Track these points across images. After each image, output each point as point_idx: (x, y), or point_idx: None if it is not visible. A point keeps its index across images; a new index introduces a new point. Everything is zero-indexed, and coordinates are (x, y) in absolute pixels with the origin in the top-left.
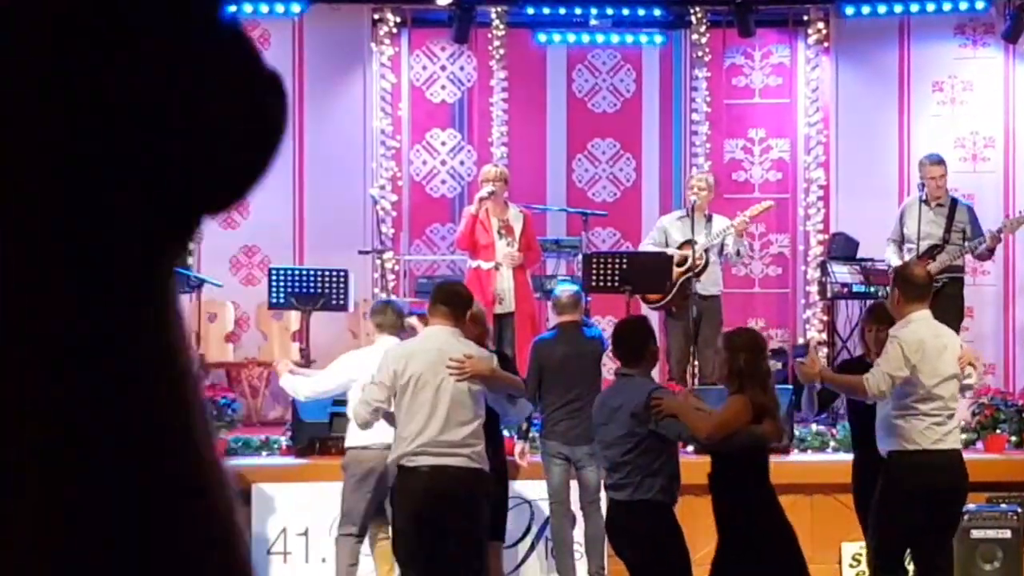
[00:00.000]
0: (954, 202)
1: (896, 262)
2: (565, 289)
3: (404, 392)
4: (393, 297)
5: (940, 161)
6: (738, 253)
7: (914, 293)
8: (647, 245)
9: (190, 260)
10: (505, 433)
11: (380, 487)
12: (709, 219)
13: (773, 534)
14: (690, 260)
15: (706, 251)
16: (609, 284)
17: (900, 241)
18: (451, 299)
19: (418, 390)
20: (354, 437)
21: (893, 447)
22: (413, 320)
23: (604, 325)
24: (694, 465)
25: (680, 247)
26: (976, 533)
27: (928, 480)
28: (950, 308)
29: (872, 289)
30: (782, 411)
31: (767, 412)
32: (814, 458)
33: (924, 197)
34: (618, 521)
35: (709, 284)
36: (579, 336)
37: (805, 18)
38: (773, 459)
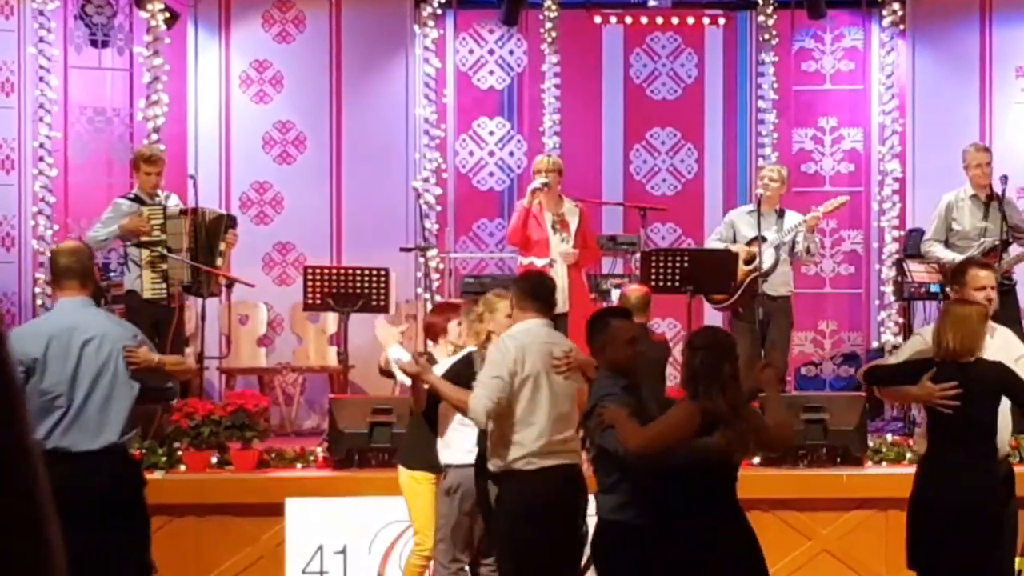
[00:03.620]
0: (997, 195)
1: (949, 257)
2: (635, 288)
3: (522, 389)
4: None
5: (986, 148)
6: (808, 251)
7: None
8: (713, 241)
9: (219, 261)
10: None
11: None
12: (780, 214)
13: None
14: (758, 258)
15: (776, 249)
16: (670, 284)
17: (944, 241)
18: (539, 290)
19: (537, 387)
20: (455, 454)
21: None
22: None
23: (664, 328)
24: (764, 479)
25: (748, 244)
26: None
27: None
28: (1014, 312)
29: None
30: (855, 420)
31: (722, 421)
32: (890, 471)
33: (971, 190)
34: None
35: (778, 284)
36: (647, 340)
37: None
38: (846, 471)
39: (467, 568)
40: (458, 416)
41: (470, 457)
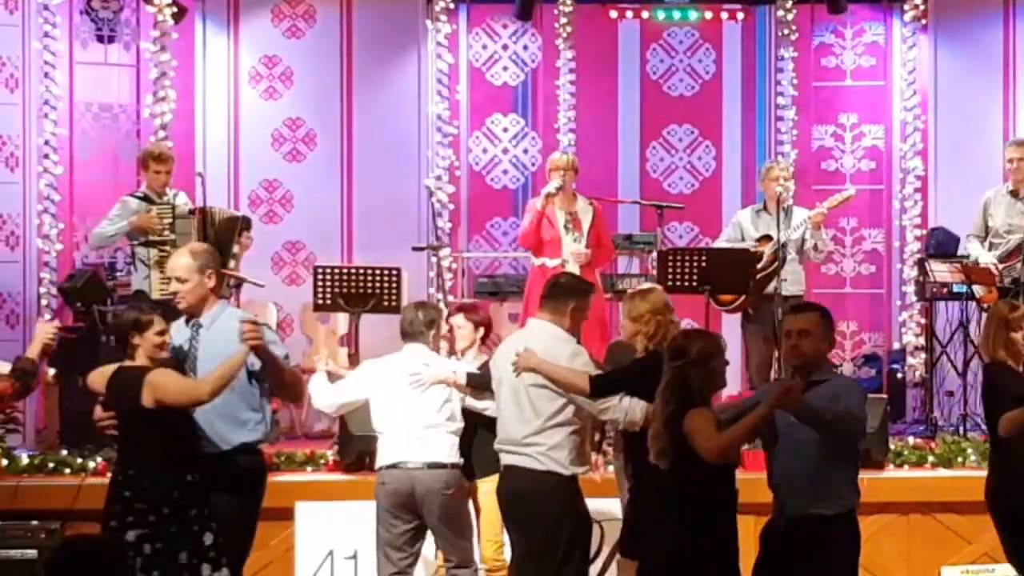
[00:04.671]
0: None
1: (987, 256)
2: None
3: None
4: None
5: (1021, 143)
6: (816, 248)
7: None
8: (722, 243)
9: (232, 264)
10: None
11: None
12: (787, 212)
13: None
14: (766, 257)
15: (784, 247)
16: (687, 284)
17: (983, 237)
18: (549, 290)
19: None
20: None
21: None
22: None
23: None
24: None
25: (758, 243)
26: None
27: None
28: None
29: (975, 289)
30: (876, 423)
31: None
32: (911, 474)
33: (1011, 186)
34: None
35: (789, 283)
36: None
37: None
38: (865, 475)
39: None
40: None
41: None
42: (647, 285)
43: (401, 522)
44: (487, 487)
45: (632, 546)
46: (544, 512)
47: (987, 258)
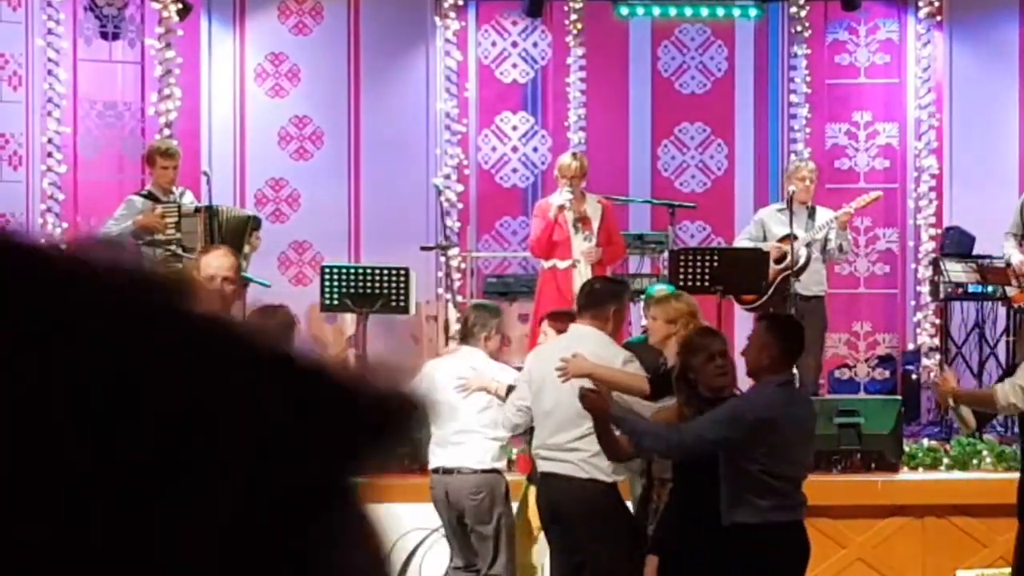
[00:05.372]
0: None
1: (1018, 257)
2: (662, 288)
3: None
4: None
5: None
6: (841, 248)
7: None
8: (742, 240)
9: (242, 263)
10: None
11: None
12: (811, 212)
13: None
14: (789, 256)
15: (807, 247)
16: (699, 284)
17: (1022, 235)
18: (586, 297)
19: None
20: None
21: None
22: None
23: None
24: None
25: (779, 242)
26: None
27: None
28: None
29: (990, 289)
30: (891, 424)
31: None
32: (926, 477)
33: None
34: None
35: (811, 283)
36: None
37: None
38: (879, 478)
39: None
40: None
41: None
42: (661, 286)
43: (447, 523)
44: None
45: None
46: (587, 521)
47: (1019, 258)
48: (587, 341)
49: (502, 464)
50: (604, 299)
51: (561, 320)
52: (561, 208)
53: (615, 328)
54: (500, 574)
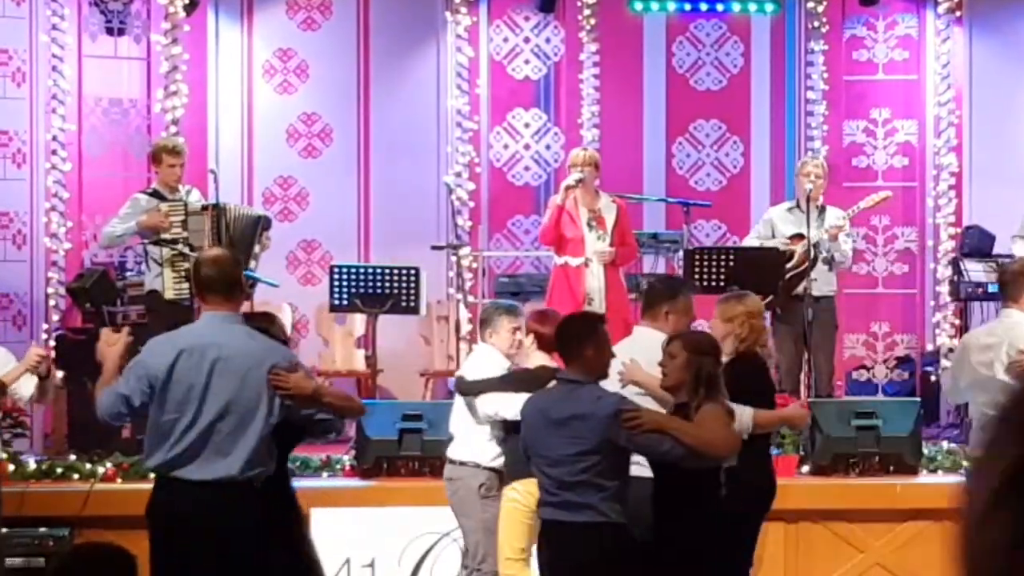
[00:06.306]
0: None
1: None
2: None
3: None
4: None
5: None
6: (833, 259)
7: None
8: (751, 240)
9: (252, 264)
10: None
11: None
12: (822, 210)
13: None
14: (797, 256)
15: (815, 247)
16: (714, 283)
17: None
18: (644, 297)
19: None
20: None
21: None
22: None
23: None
24: (814, 489)
25: (788, 241)
26: None
27: None
28: None
29: None
30: (909, 426)
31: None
32: (945, 480)
33: None
34: (566, 545)
35: (820, 284)
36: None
37: None
38: (898, 481)
39: None
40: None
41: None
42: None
43: None
44: (512, 493)
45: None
46: (643, 520)
47: None
48: (645, 343)
49: None
50: (657, 299)
51: (542, 320)
52: (568, 189)
53: (675, 328)
54: (472, 567)
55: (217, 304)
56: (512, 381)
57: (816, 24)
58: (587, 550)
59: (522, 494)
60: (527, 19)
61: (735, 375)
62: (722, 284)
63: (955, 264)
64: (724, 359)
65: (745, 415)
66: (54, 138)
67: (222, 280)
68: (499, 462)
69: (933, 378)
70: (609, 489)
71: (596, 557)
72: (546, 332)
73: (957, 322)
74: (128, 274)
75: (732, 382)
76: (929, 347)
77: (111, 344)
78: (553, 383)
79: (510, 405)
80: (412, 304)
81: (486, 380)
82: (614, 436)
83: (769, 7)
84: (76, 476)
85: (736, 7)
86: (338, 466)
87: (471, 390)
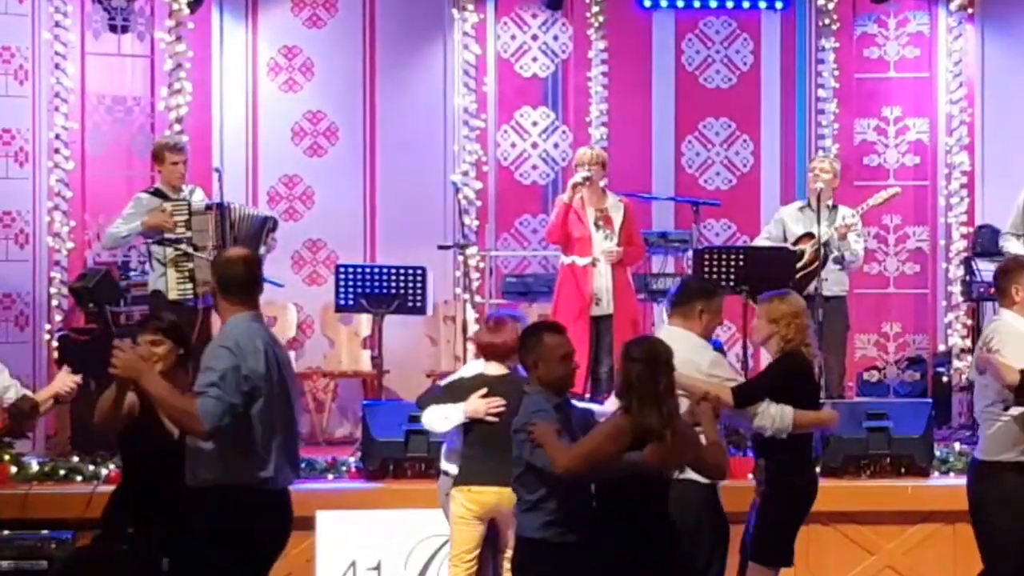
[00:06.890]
0: None
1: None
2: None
3: None
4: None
5: None
6: (843, 259)
7: None
8: (762, 240)
9: None
10: None
11: None
12: (833, 209)
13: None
14: (807, 255)
15: (825, 246)
16: (724, 283)
17: (1021, 235)
18: (677, 296)
19: None
20: None
21: None
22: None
23: (719, 331)
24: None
25: (797, 242)
26: None
27: None
28: None
29: None
30: (921, 428)
31: (654, 436)
32: (957, 482)
33: None
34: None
35: (832, 283)
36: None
37: None
38: (909, 483)
39: None
40: None
41: None
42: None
43: None
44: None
45: (767, 551)
46: (684, 522)
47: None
48: (676, 343)
49: None
50: (692, 297)
51: (496, 330)
52: (575, 187)
53: (706, 328)
54: None
55: (251, 304)
56: (446, 392)
57: (827, 21)
58: (516, 566)
59: (463, 501)
60: (535, 16)
61: (780, 374)
62: (732, 284)
63: (967, 264)
64: (769, 359)
65: (786, 415)
66: (57, 136)
67: (254, 280)
68: None
69: (945, 379)
70: (528, 501)
71: (522, 572)
72: (496, 342)
73: (969, 322)
74: (131, 274)
75: (777, 381)
76: (941, 348)
77: (147, 358)
78: (483, 391)
79: (440, 418)
80: (418, 304)
81: (427, 393)
82: (519, 449)
83: (779, 4)
84: (79, 478)
85: (746, 4)
86: (344, 468)
87: (420, 404)
